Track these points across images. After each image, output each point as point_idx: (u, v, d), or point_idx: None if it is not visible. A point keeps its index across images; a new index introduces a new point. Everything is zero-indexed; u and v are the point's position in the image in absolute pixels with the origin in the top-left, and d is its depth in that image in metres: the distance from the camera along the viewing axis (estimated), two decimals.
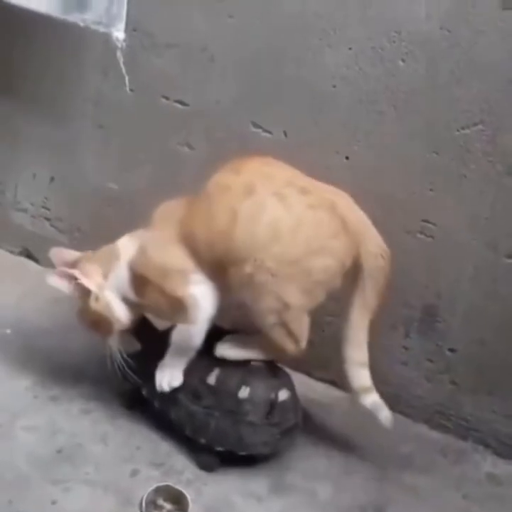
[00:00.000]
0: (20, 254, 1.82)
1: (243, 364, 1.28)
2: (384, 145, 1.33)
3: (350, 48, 1.29)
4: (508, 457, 1.42)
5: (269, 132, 1.42)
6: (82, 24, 1.39)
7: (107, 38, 1.43)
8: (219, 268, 1.22)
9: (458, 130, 1.26)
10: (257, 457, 1.29)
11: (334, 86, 1.32)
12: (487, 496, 1.34)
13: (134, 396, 1.36)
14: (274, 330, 1.25)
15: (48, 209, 1.76)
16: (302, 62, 1.34)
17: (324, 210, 1.23)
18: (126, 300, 1.26)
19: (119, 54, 1.37)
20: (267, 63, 1.38)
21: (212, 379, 1.26)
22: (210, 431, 1.26)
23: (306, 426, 1.41)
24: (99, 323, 1.27)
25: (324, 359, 1.53)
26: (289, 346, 1.27)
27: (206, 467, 1.28)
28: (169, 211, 1.27)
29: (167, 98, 1.49)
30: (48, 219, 1.77)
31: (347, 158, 1.37)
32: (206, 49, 1.42)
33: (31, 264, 1.80)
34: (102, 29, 1.38)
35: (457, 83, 1.24)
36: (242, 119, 1.43)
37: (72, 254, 1.31)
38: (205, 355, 1.27)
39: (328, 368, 1.53)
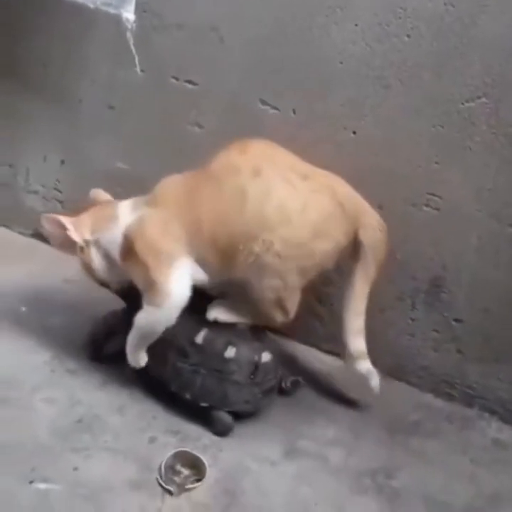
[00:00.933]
0: (32, 236, 1.84)
1: (230, 326, 1.33)
2: (390, 119, 1.36)
3: (356, 25, 1.32)
4: None
5: (278, 109, 1.45)
6: (91, 6, 1.41)
7: (117, 20, 1.45)
8: (221, 247, 1.24)
9: (462, 103, 1.30)
10: (240, 414, 1.33)
11: (341, 62, 1.35)
12: (493, 460, 1.37)
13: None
14: (269, 304, 1.30)
15: (60, 191, 1.79)
16: (309, 40, 1.37)
17: (325, 194, 1.27)
18: (111, 261, 1.31)
19: (128, 35, 1.39)
20: (275, 42, 1.41)
21: (199, 338, 1.31)
22: (195, 387, 1.31)
23: (316, 395, 1.46)
24: (89, 272, 1.34)
25: (333, 333, 1.56)
26: (279, 317, 1.33)
27: (221, 433, 1.32)
28: (172, 187, 1.29)
29: (177, 78, 1.52)
30: (59, 201, 1.79)
31: (354, 133, 1.40)
32: (215, 29, 1.44)
33: (43, 245, 1.81)
34: (111, 10, 1.40)
35: (461, 57, 1.27)
36: (250, 97, 1.46)
37: (104, 196, 1.40)
38: (194, 315, 1.30)
39: (337, 341, 1.56)
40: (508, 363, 1.44)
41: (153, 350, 1.33)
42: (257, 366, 1.32)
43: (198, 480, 1.19)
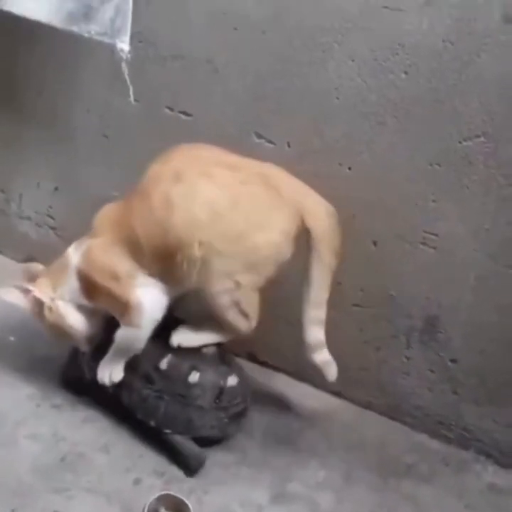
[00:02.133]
0: (25, 261, 1.81)
1: (195, 351, 1.32)
2: (386, 156, 1.34)
3: (353, 60, 1.30)
4: (509, 467, 1.42)
5: (273, 143, 1.43)
6: (86, 35, 1.40)
7: (112, 49, 1.43)
8: (165, 260, 1.23)
9: (460, 142, 1.27)
10: (208, 440, 1.32)
11: (337, 97, 1.33)
12: (489, 505, 1.34)
13: (83, 382, 1.39)
14: (227, 311, 1.27)
15: (53, 218, 1.77)
16: (306, 74, 1.35)
17: (257, 184, 1.24)
18: (81, 307, 1.30)
19: (123, 65, 1.38)
20: (271, 75, 1.39)
21: (164, 364, 1.30)
22: (159, 414, 1.30)
23: (308, 435, 1.43)
24: (61, 333, 1.32)
25: None
26: (242, 325, 1.30)
27: (194, 469, 1.30)
28: (108, 214, 1.30)
29: (171, 109, 1.50)
30: (52, 228, 1.78)
31: (349, 168, 1.37)
32: (211, 61, 1.43)
33: None
34: (106, 40, 1.38)
35: (459, 95, 1.25)
36: (245, 129, 1.44)
37: (38, 268, 1.36)
38: (159, 341, 1.30)
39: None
40: (504, 405, 1.40)
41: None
42: (222, 390, 1.30)
43: None
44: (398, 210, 1.36)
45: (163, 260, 1.23)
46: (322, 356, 1.36)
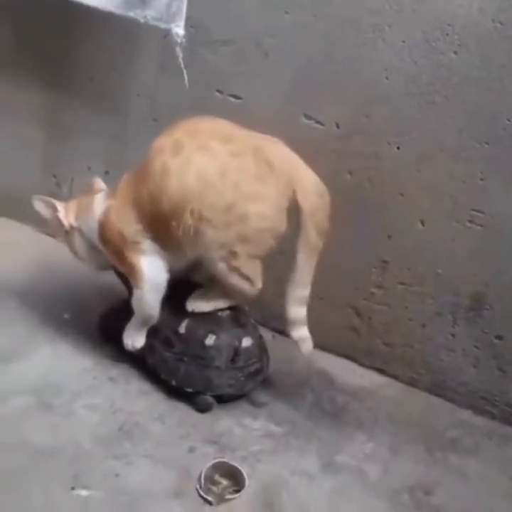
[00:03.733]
0: None
1: (211, 315, 1.39)
2: (435, 135, 1.36)
3: (403, 41, 1.32)
4: None
5: (321, 124, 1.46)
6: (142, 20, 1.43)
7: (164, 34, 1.47)
8: (163, 226, 1.29)
9: (508, 120, 1.29)
10: (228, 397, 1.40)
11: (387, 78, 1.36)
12: None
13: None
14: (228, 276, 1.32)
15: None
16: (355, 56, 1.38)
17: (247, 155, 1.27)
18: (93, 246, 1.40)
19: (178, 50, 1.41)
20: (321, 57, 1.42)
21: (182, 328, 1.38)
22: (180, 374, 1.38)
23: (353, 410, 1.46)
24: (73, 253, 1.45)
25: (371, 347, 1.57)
26: (246, 287, 1.34)
27: (203, 409, 1.38)
28: (126, 179, 1.36)
29: (221, 92, 1.54)
30: None
31: (398, 148, 1.40)
32: (261, 44, 1.46)
33: None
34: (162, 25, 1.41)
35: (508, 75, 1.27)
36: (294, 111, 1.47)
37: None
38: (178, 306, 1.39)
39: (375, 355, 1.57)
40: None
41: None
42: (237, 351, 1.37)
43: (237, 491, 1.20)
44: (446, 188, 1.38)
45: (162, 226, 1.29)
46: (301, 333, 1.38)
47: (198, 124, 1.32)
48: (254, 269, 1.33)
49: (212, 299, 1.39)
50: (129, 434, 1.30)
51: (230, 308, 1.41)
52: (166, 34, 1.45)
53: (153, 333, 1.41)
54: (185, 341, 1.38)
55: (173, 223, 1.27)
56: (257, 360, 1.41)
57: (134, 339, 1.42)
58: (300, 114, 1.47)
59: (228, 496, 1.19)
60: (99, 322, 1.53)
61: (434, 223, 1.40)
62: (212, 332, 1.37)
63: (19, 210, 1.90)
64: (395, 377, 1.57)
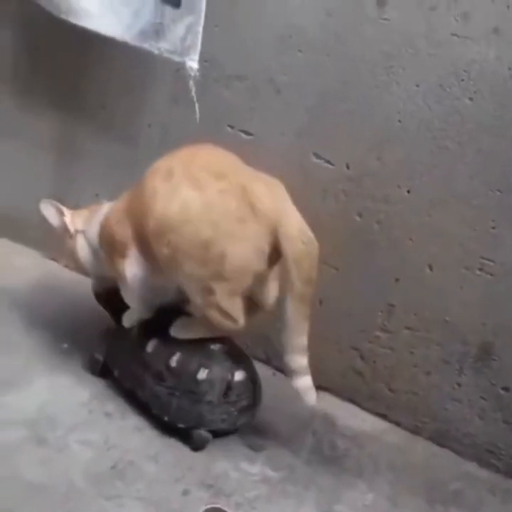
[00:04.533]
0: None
1: (203, 348, 1.37)
2: (446, 181, 1.34)
3: (417, 85, 1.31)
4: None
5: (331, 164, 1.44)
6: (156, 52, 1.43)
7: (176, 67, 1.47)
8: (146, 246, 1.31)
9: None
10: (220, 432, 1.37)
11: (399, 121, 1.35)
12: None
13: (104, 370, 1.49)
14: (208, 310, 1.30)
15: None
16: (369, 97, 1.37)
17: (233, 195, 1.25)
18: (95, 253, 1.44)
19: (191, 83, 1.41)
20: (333, 97, 1.41)
21: (173, 362, 1.36)
22: (172, 409, 1.35)
23: (354, 457, 1.42)
24: (73, 260, 1.48)
25: (374, 391, 1.54)
26: (227, 324, 1.32)
27: (198, 446, 1.35)
28: (131, 188, 1.38)
29: (232, 127, 1.53)
30: None
31: (408, 191, 1.38)
32: (273, 81, 1.46)
33: (87, 280, 1.85)
34: (176, 58, 1.42)
35: None
36: (304, 150, 1.46)
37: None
38: (169, 339, 1.38)
39: (378, 399, 1.54)
40: None
41: (134, 374, 1.40)
42: (229, 385, 1.35)
43: None
44: (456, 234, 1.36)
45: (146, 244, 1.31)
46: (304, 382, 1.32)
47: (196, 154, 1.32)
48: (233, 306, 1.30)
49: (195, 327, 1.37)
50: (122, 473, 1.27)
51: (221, 340, 1.38)
52: (180, 67, 1.45)
53: (144, 366, 1.39)
54: (176, 375, 1.36)
55: (154, 246, 1.28)
56: (249, 394, 1.38)
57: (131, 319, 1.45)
58: (310, 152, 1.46)
59: None
60: (90, 358, 1.52)
61: (443, 269, 1.37)
62: (204, 366, 1.35)
63: (25, 233, 1.91)
64: (398, 423, 1.53)
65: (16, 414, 1.34)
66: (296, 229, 1.26)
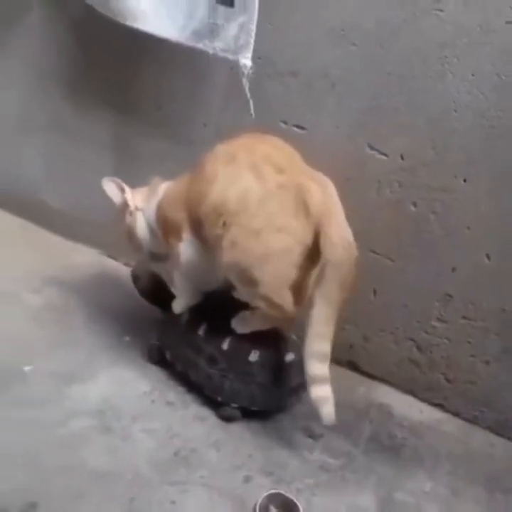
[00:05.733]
0: None
1: (254, 331, 1.41)
2: (503, 168, 1.33)
3: (473, 75, 1.31)
4: None
5: (385, 155, 1.45)
6: (211, 52, 1.46)
7: (231, 65, 1.50)
8: (199, 226, 1.35)
9: None
10: (269, 412, 1.44)
11: (455, 110, 1.35)
12: None
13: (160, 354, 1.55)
14: (255, 300, 1.34)
15: None
16: (423, 88, 1.37)
17: (291, 191, 1.27)
18: (152, 231, 1.49)
19: (244, 81, 1.44)
20: (387, 89, 1.42)
21: (225, 345, 1.41)
22: (225, 391, 1.41)
23: (412, 446, 1.43)
24: (129, 238, 1.52)
25: (431, 381, 1.54)
26: (277, 313, 1.33)
27: (227, 419, 1.42)
28: (188, 172, 1.43)
29: (286, 123, 1.55)
30: None
31: (465, 180, 1.38)
32: (327, 76, 1.47)
33: None
34: (230, 56, 1.44)
35: None
36: (358, 142, 1.47)
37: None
38: (221, 324, 1.42)
39: (435, 389, 1.54)
40: None
41: (187, 358, 1.46)
42: (280, 367, 1.40)
43: None
44: None
45: (199, 226, 1.35)
46: (321, 391, 1.29)
47: (259, 144, 1.35)
48: (282, 297, 1.30)
49: (254, 320, 1.40)
50: (185, 461, 1.31)
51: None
52: (233, 65, 1.48)
53: (196, 350, 1.44)
54: (229, 358, 1.41)
55: (207, 227, 1.32)
56: (298, 375, 1.39)
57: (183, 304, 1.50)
58: (364, 144, 1.47)
59: None
60: (149, 349, 1.57)
61: (500, 258, 1.37)
62: (255, 348, 1.40)
63: (84, 231, 1.97)
64: (456, 413, 1.53)
65: (81, 405, 1.39)
66: (338, 233, 1.26)
